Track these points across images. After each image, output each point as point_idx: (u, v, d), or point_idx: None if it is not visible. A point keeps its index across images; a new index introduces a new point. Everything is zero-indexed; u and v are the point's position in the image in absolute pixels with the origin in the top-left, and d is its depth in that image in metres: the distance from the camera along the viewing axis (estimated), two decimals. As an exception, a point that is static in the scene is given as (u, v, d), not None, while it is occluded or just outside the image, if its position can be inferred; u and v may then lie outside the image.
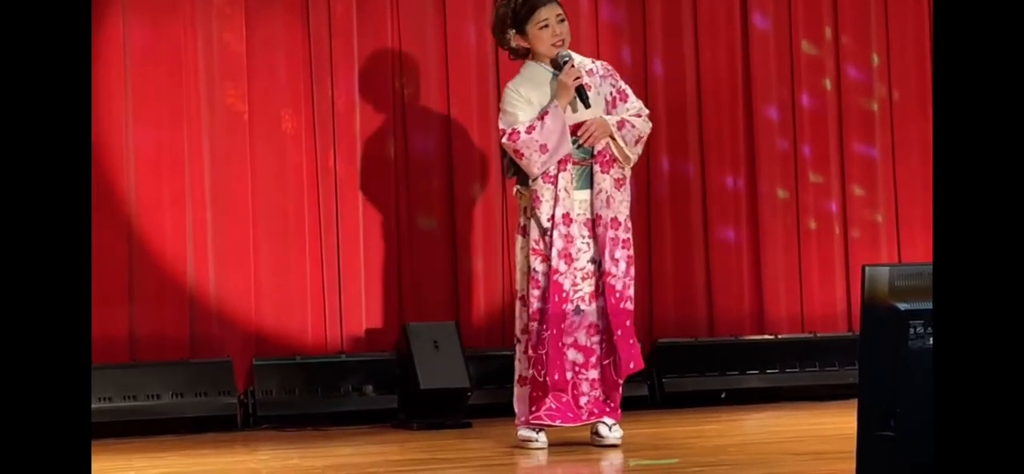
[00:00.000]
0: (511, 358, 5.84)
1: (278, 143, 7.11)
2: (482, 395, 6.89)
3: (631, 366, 5.66)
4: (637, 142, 5.68)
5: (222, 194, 6.98)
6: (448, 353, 6.75)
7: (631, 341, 5.65)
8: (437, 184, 7.34)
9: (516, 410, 5.75)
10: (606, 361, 5.65)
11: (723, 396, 7.53)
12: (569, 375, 5.60)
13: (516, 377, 5.76)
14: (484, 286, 7.34)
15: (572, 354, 5.61)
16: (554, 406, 5.59)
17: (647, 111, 5.78)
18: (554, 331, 5.55)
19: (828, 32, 8.03)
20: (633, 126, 5.66)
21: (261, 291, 7.03)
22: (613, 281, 5.61)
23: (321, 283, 7.11)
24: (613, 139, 5.61)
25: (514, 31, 5.69)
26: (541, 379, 5.57)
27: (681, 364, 7.50)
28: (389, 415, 6.89)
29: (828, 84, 8.01)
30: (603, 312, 5.60)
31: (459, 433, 6.48)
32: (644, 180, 7.64)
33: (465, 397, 6.74)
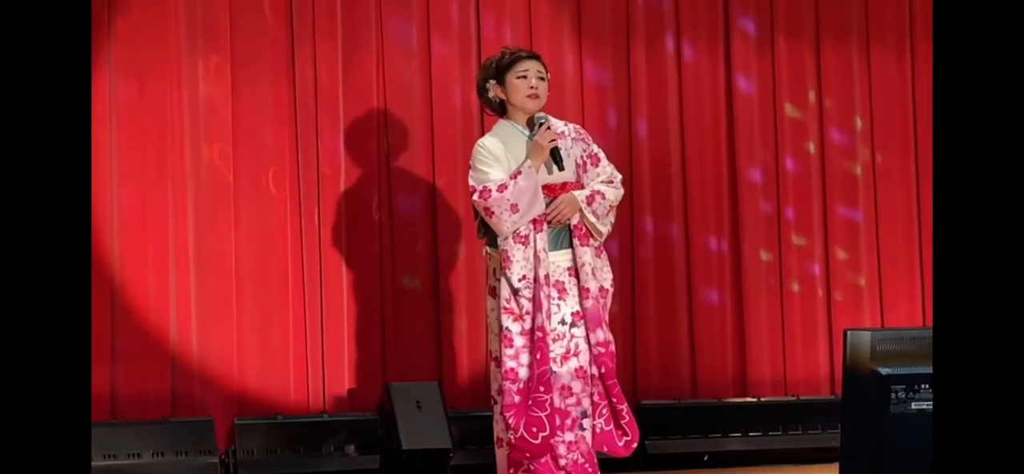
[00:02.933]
0: (492, 419, 5.81)
1: (262, 202, 7.11)
2: (464, 456, 6.86)
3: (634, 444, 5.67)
4: (608, 212, 5.68)
5: (206, 253, 6.97)
6: (431, 414, 6.73)
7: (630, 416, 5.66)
8: (421, 244, 7.34)
9: (497, 472, 5.72)
10: (583, 424, 5.59)
11: (706, 459, 7.51)
12: (549, 436, 5.54)
13: (495, 438, 5.73)
14: (468, 347, 7.32)
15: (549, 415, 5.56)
16: (533, 468, 5.56)
17: (619, 176, 5.77)
18: (544, 388, 5.50)
19: (812, 96, 8.06)
20: (604, 196, 5.66)
21: (244, 350, 7.01)
22: (608, 357, 5.61)
23: (304, 342, 7.09)
24: (583, 214, 5.62)
25: (495, 81, 5.71)
26: (533, 437, 5.50)
27: (664, 426, 7.48)
28: (371, 476, 6.87)
29: (812, 147, 8.04)
30: (577, 375, 5.56)
31: (441, 494, 6.47)
32: (627, 241, 7.65)
33: (447, 458, 6.71)
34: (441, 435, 6.69)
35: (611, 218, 5.71)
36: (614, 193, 5.70)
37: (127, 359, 6.84)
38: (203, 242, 6.97)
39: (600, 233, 5.66)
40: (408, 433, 6.65)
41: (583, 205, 5.61)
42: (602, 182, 5.70)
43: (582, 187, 5.68)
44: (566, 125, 5.79)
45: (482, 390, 7.29)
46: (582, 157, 5.71)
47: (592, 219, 5.61)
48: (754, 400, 7.73)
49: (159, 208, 6.93)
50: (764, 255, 7.92)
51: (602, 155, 5.75)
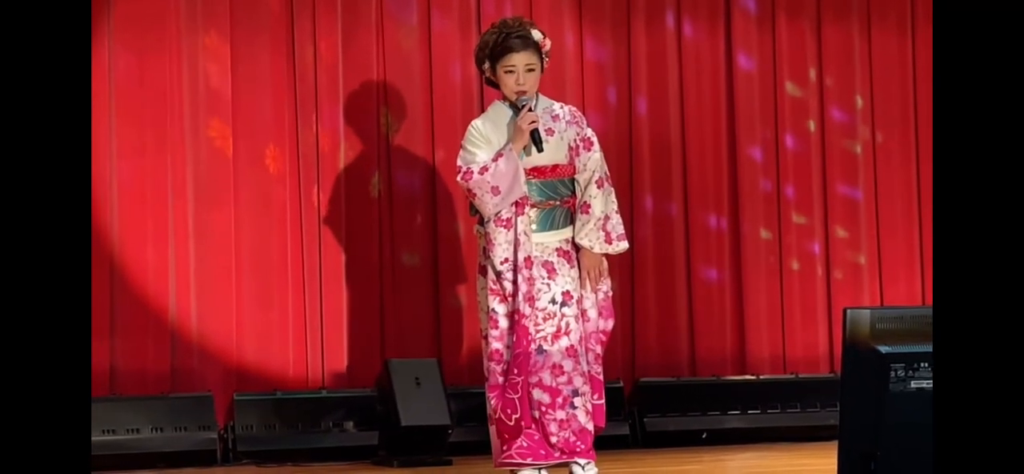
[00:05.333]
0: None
1: (262, 178, 7.10)
2: (463, 432, 6.87)
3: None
4: (607, 223, 5.65)
5: (205, 228, 6.97)
6: (430, 390, 6.74)
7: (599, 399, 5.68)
8: (421, 220, 7.34)
9: (492, 450, 5.73)
10: (574, 403, 5.57)
11: (704, 436, 7.53)
12: (536, 414, 5.54)
13: (487, 414, 5.73)
14: (467, 323, 7.32)
15: (537, 394, 5.55)
16: (525, 445, 5.56)
17: (604, 166, 5.70)
18: (517, 371, 5.50)
19: (812, 74, 8.05)
20: (608, 218, 5.64)
21: (243, 326, 7.01)
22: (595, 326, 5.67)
23: (303, 318, 7.09)
24: (611, 253, 5.66)
25: (488, 64, 5.69)
26: (508, 419, 5.51)
27: (663, 403, 7.49)
28: (370, 452, 6.87)
29: (812, 125, 8.04)
30: (568, 354, 5.55)
31: (440, 471, 6.47)
32: (627, 219, 7.64)
33: (446, 434, 6.72)
34: (440, 412, 6.70)
35: (616, 218, 5.67)
36: (602, 205, 5.64)
37: (126, 335, 6.84)
38: (202, 218, 6.97)
39: (623, 237, 5.67)
40: (407, 409, 6.65)
41: (609, 249, 5.63)
42: (593, 185, 5.62)
43: (574, 170, 5.62)
44: (562, 107, 5.74)
45: (481, 367, 7.27)
46: (575, 140, 5.67)
47: (619, 248, 5.64)
48: (753, 378, 7.74)
49: (158, 184, 6.93)
50: (764, 233, 7.92)
51: (595, 141, 5.68)
